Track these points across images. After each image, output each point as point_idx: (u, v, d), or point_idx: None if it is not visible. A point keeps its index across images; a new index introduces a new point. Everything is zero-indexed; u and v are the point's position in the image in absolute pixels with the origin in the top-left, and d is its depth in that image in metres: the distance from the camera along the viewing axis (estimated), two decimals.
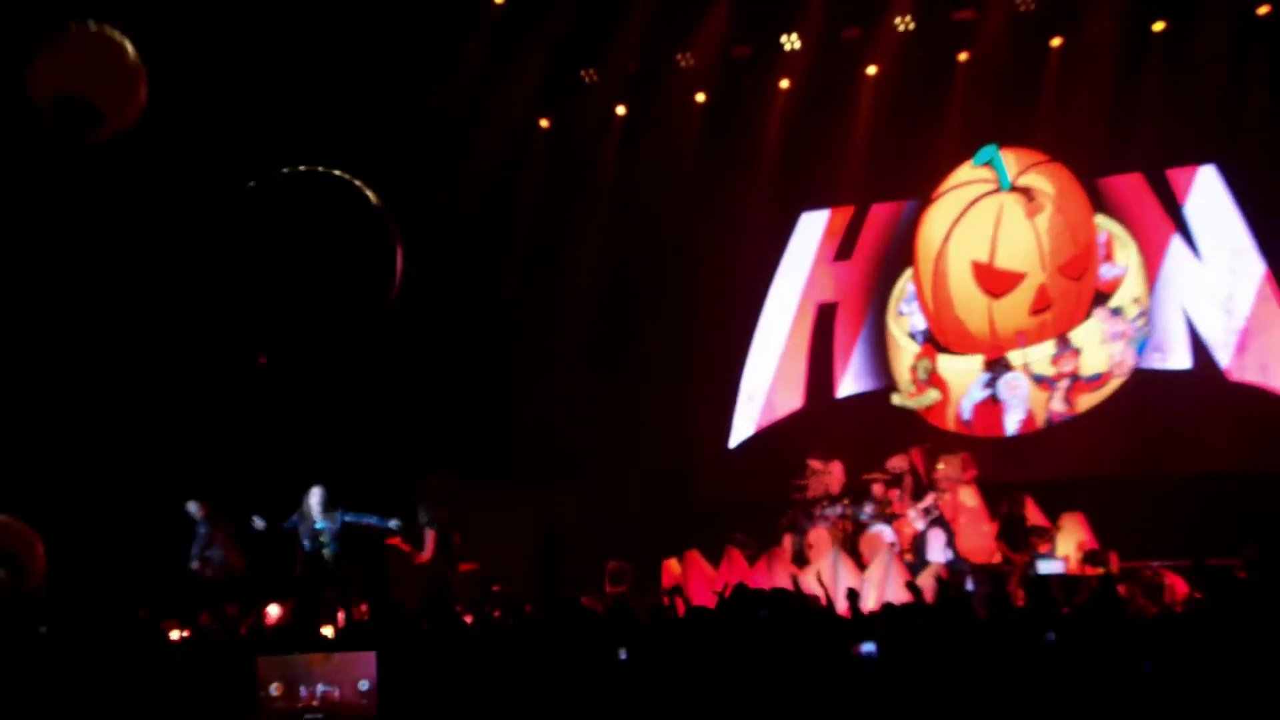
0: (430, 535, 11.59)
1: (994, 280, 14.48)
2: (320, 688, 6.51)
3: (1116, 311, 13.98)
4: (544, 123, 15.17)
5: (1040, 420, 14.24)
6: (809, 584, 9.87)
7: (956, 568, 12.06)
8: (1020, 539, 11.59)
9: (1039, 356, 14.28)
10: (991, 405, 14.42)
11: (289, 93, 11.96)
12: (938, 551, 12.51)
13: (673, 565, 13.07)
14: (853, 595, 7.35)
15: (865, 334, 15.34)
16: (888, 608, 6.95)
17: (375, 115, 13.04)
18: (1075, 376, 14.02)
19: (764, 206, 15.41)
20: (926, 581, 11.06)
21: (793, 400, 15.51)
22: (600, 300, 15.37)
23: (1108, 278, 14.10)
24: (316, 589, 11.18)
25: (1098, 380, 14.03)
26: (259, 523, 11.15)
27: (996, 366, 14.43)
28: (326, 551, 11.43)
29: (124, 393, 11.46)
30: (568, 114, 14.87)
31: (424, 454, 14.00)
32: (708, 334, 15.97)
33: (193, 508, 11.32)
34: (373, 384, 13.54)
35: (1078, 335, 14.14)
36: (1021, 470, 13.51)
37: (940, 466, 13.00)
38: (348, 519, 11.37)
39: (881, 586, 11.62)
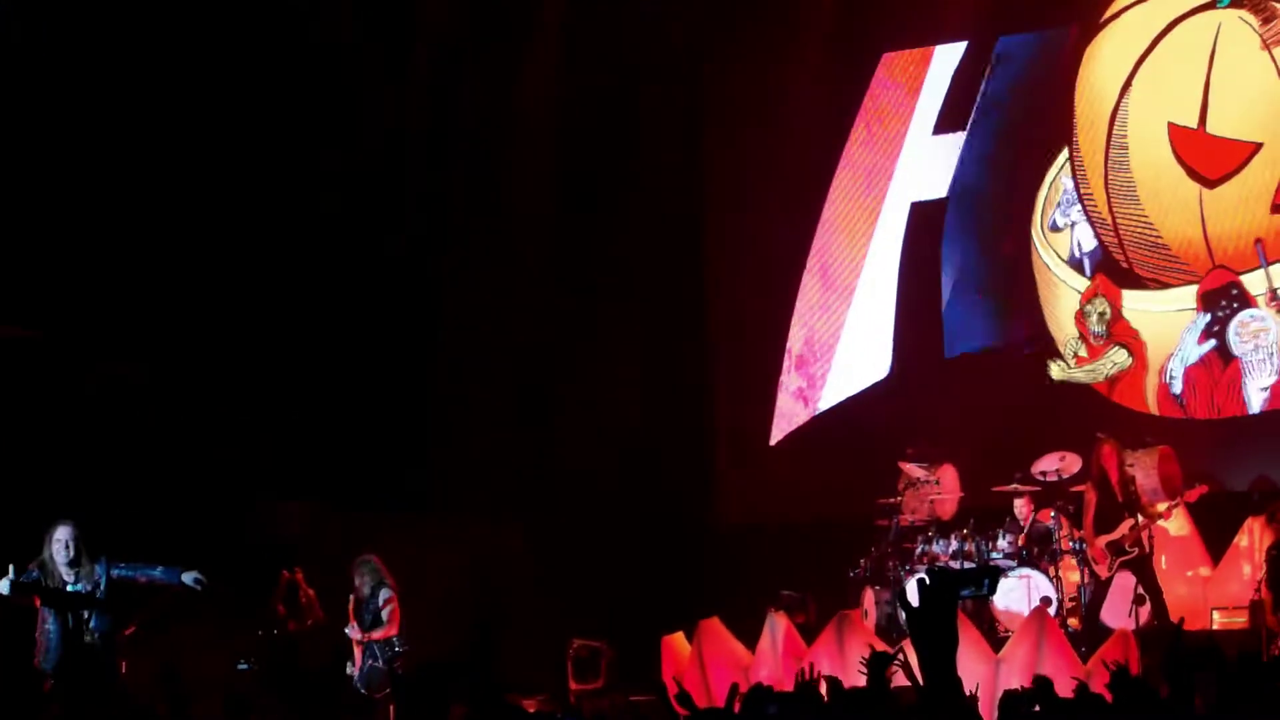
0: (394, 602, 12.75)
1: (1208, 155, 14.27)
2: None
3: None
4: None
5: None
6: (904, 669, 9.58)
7: (1158, 638, 11.73)
8: None
9: None
10: (1219, 365, 14.29)
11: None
12: (1121, 612, 12.62)
13: (678, 644, 13.21)
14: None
15: (992, 250, 15.34)
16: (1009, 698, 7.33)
17: None
18: None
19: (814, 48, 15.66)
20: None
21: (873, 365, 15.53)
22: (557, 207, 15.98)
23: None
24: (78, 697, 11.25)
25: None
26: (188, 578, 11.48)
27: (1222, 300, 14.28)
28: (87, 633, 11.44)
29: None
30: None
31: (286, 474, 14.67)
32: (730, 261, 16.17)
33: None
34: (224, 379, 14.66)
35: None
36: (1273, 472, 13.55)
37: (1129, 469, 12.86)
38: (118, 574, 11.33)
39: (1027, 671, 11.18)
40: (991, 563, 12.99)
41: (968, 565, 13.04)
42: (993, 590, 9.66)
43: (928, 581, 6.94)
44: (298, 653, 13.06)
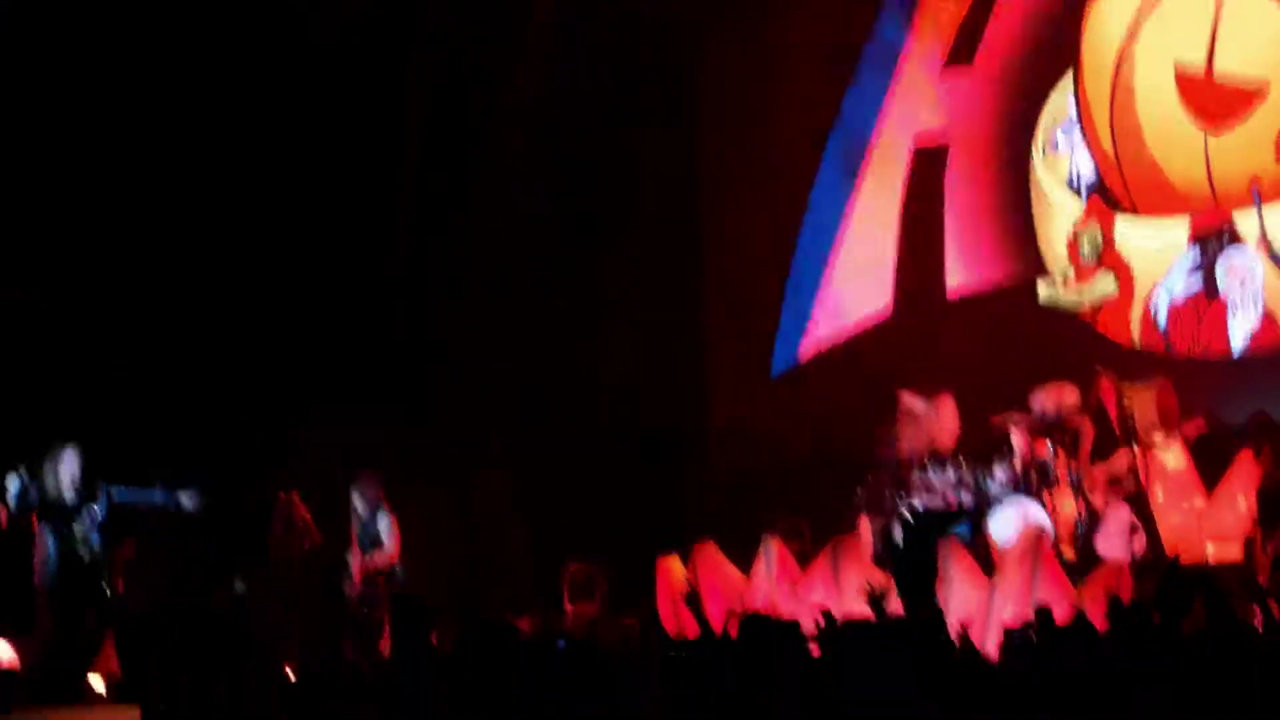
0: (394, 525, 13.01)
1: (1213, 98, 14.16)
2: None
3: None
4: None
5: None
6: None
7: (1151, 568, 11.76)
8: None
9: None
10: (1204, 303, 14.22)
11: None
12: (1118, 543, 12.61)
13: (674, 567, 13.28)
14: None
15: (996, 190, 15.28)
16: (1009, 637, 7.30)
17: None
18: None
19: None
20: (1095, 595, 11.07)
21: (874, 301, 15.59)
22: (552, 165, 16.07)
23: None
24: (72, 613, 11.72)
25: None
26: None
27: (1213, 239, 14.14)
28: (85, 551, 11.79)
29: None
30: None
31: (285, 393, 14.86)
32: (729, 198, 16.20)
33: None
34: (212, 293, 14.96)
35: None
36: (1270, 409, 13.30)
37: (1126, 401, 12.94)
38: (118, 496, 11.80)
39: (1023, 601, 11.42)
40: (989, 493, 13.13)
41: (965, 495, 13.14)
42: (975, 532, 9.89)
43: (910, 521, 7.18)
44: (294, 574, 13.22)
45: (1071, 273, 14.70)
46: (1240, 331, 14.14)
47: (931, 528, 7.22)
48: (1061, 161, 14.93)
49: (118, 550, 12.01)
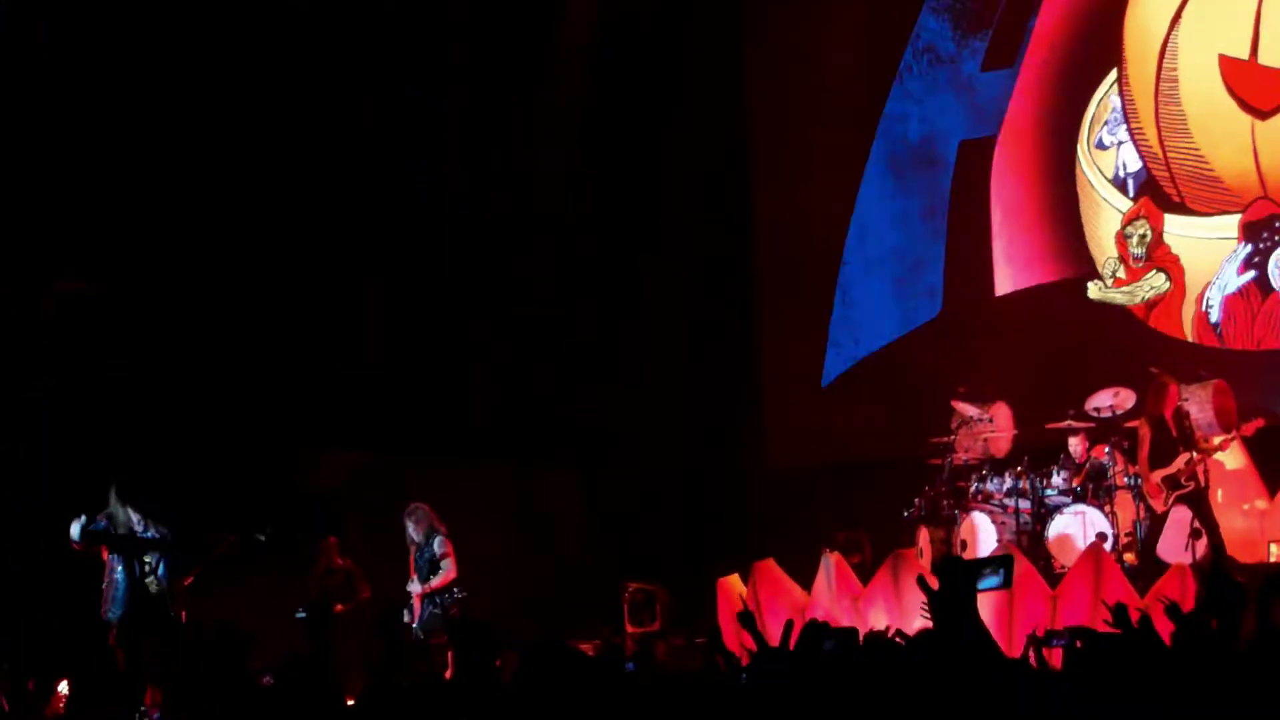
0: (450, 550, 12.96)
1: (1259, 87, 14.12)
2: None
3: None
4: None
5: None
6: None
7: (1217, 573, 10.92)
8: None
9: None
10: (1258, 297, 14.12)
11: None
12: (1177, 547, 12.52)
13: (734, 585, 13.24)
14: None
15: (1043, 186, 15.25)
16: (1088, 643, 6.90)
17: None
18: None
19: None
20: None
21: (924, 304, 15.56)
22: (595, 157, 16.05)
23: None
24: (140, 644, 11.45)
25: None
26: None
27: (1264, 232, 14.05)
28: (153, 580, 11.65)
29: None
30: None
31: (318, 423, 14.79)
32: (777, 201, 16.11)
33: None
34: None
35: None
36: None
37: (1183, 403, 12.76)
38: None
39: (1084, 607, 11.46)
40: (1047, 501, 13.13)
41: (1023, 503, 13.15)
42: (1008, 581, 9.82)
43: (945, 572, 7.08)
44: (335, 608, 13.22)
45: (1122, 270, 14.64)
46: None
47: (966, 578, 7.09)
48: (1107, 158, 14.89)
49: (181, 581, 11.82)
